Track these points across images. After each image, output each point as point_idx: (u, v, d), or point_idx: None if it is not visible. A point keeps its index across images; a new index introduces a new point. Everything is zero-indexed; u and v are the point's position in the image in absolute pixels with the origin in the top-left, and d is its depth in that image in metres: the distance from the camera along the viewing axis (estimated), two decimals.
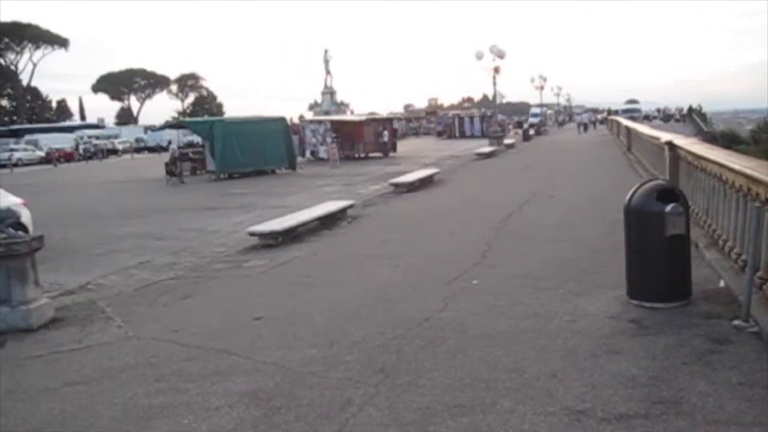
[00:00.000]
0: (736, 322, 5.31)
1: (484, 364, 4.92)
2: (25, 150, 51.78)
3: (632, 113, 70.20)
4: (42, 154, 51.41)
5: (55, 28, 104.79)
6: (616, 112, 70.52)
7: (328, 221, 12.50)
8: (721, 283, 6.44)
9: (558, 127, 60.72)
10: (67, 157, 51.32)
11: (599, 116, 76.37)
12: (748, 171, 6.14)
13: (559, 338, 5.36)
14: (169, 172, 26.97)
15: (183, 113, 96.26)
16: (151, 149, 57.77)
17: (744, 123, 61.18)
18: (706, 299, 6.05)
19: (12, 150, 50.04)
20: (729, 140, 31.97)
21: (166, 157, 29.97)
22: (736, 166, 6.59)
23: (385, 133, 38.00)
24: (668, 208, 5.83)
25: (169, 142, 35.95)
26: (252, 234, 11.01)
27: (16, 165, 45.90)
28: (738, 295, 5.80)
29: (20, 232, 7.71)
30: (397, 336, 5.70)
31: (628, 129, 26.99)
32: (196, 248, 11.39)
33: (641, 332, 5.37)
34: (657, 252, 5.95)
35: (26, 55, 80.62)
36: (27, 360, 5.90)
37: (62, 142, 55.26)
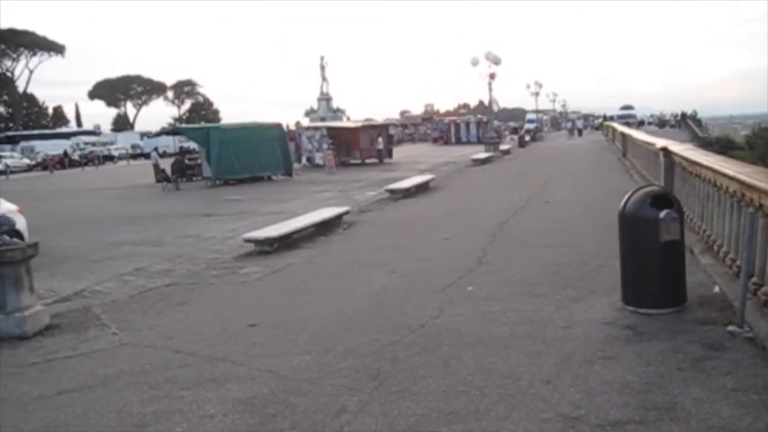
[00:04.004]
0: (730, 328, 5.32)
1: (478, 370, 4.92)
2: (12, 157, 52.17)
3: (627, 119, 70.09)
4: (28, 161, 52.08)
5: (52, 35, 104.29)
6: (611, 118, 70.49)
7: (324, 228, 12.50)
8: (716, 289, 6.45)
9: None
10: (73, 163, 51.61)
11: (596, 122, 76.24)
12: (741, 177, 6.15)
13: (554, 344, 5.36)
14: (162, 179, 26.97)
15: (179, 120, 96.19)
16: (148, 156, 57.86)
17: (739, 128, 61.28)
18: (701, 305, 6.06)
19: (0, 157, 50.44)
20: (724, 146, 31.98)
21: (161, 164, 30.01)
22: (730, 172, 6.61)
23: (381, 139, 38.02)
24: (662, 214, 5.85)
25: (155, 149, 36.42)
26: (248, 240, 11.01)
27: (12, 172, 46.02)
28: (733, 300, 5.81)
29: (15, 239, 7.72)
30: (392, 342, 5.69)
31: (623, 135, 27.02)
32: (192, 255, 11.37)
33: (636, 338, 5.38)
34: (652, 258, 5.96)
35: (22, 61, 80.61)
36: (21, 367, 5.88)
37: (58, 148, 55.43)
